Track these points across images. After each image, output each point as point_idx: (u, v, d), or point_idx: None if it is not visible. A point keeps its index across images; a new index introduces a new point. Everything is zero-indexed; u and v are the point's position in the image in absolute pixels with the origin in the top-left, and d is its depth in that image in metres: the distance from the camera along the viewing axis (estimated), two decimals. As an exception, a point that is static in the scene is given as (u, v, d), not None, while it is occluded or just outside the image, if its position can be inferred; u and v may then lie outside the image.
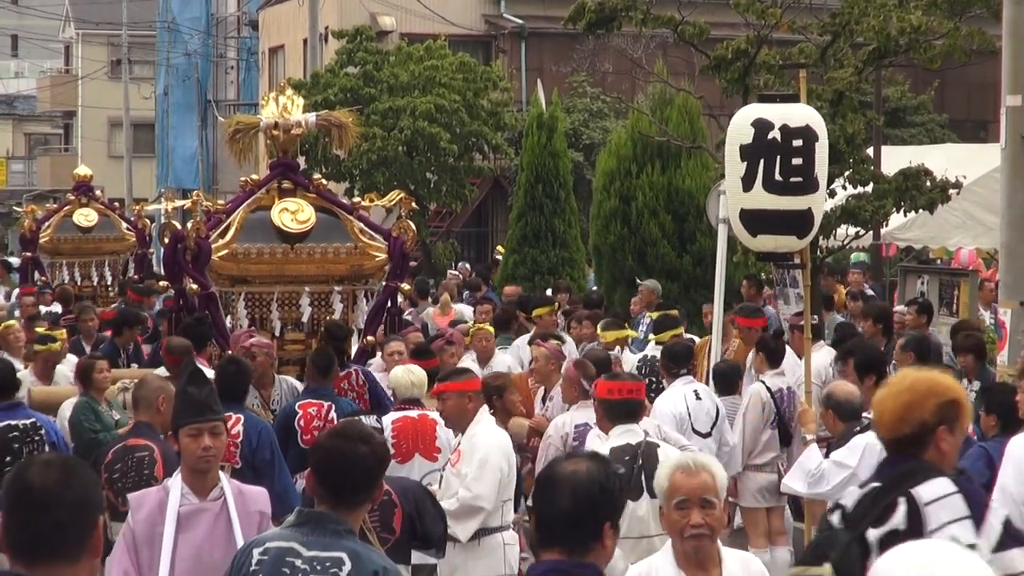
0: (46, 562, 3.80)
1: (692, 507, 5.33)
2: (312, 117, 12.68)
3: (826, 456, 8.78)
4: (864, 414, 8.92)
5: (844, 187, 16.15)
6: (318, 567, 5.05)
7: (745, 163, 9.64)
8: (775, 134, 9.63)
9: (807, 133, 9.63)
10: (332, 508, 5.14)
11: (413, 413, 9.86)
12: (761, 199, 9.61)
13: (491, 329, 14.49)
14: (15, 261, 29.09)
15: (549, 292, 20.03)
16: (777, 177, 9.59)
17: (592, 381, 10.47)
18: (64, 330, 14.35)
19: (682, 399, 11.31)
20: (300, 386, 11.19)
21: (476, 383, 9.11)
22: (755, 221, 9.72)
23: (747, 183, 9.63)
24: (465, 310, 19.19)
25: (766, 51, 16.36)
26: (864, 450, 8.58)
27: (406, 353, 11.70)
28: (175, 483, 6.37)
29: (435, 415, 9.49)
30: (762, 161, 9.61)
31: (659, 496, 5.41)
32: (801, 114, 9.75)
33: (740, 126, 9.77)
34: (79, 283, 20.92)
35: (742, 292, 17.66)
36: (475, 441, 8.85)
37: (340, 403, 10.38)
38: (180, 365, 10.56)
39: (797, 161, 9.60)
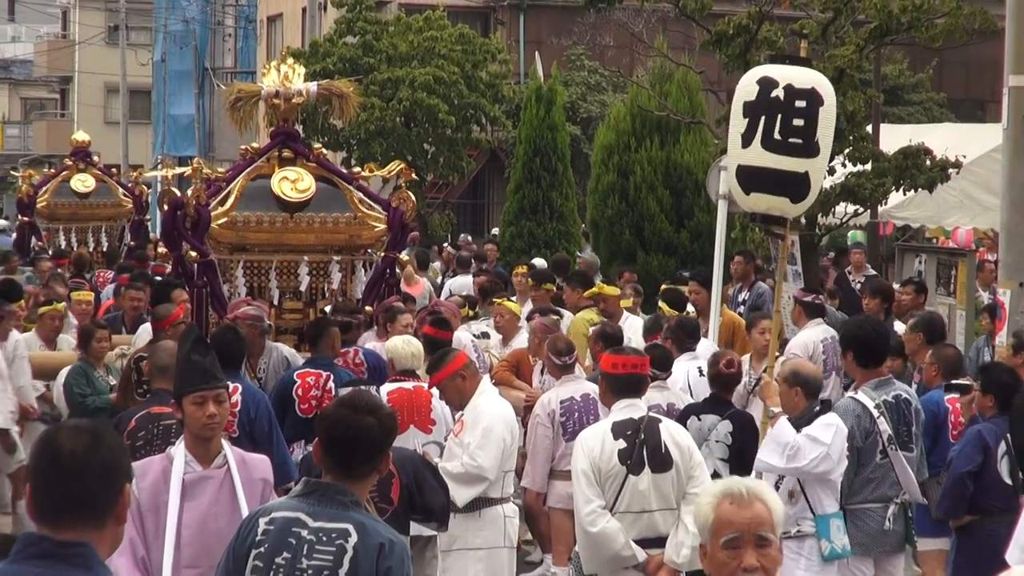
0: (70, 526, 3.82)
1: (746, 545, 4.23)
2: (313, 86, 12.64)
3: None
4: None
5: (844, 164, 16.15)
6: (324, 538, 5.05)
7: (747, 120, 9.46)
8: (778, 92, 9.40)
9: (812, 96, 9.40)
10: (339, 479, 5.14)
11: (408, 385, 9.85)
12: (758, 156, 9.37)
13: (511, 305, 13.97)
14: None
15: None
16: (776, 136, 9.36)
17: (561, 355, 10.59)
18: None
19: (684, 375, 11.30)
20: (291, 355, 11.15)
21: (462, 359, 8.95)
22: (750, 178, 9.48)
23: (746, 139, 9.43)
24: (465, 281, 19.18)
25: (767, 27, 16.32)
26: (836, 429, 8.55)
27: (412, 326, 11.66)
28: (179, 451, 6.36)
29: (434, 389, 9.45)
30: (763, 118, 9.37)
31: (700, 530, 4.34)
32: (808, 77, 9.52)
33: (747, 84, 9.63)
34: (75, 249, 20.90)
35: (731, 269, 17.56)
36: (478, 412, 8.83)
37: (338, 372, 10.36)
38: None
39: (798, 122, 9.35)
